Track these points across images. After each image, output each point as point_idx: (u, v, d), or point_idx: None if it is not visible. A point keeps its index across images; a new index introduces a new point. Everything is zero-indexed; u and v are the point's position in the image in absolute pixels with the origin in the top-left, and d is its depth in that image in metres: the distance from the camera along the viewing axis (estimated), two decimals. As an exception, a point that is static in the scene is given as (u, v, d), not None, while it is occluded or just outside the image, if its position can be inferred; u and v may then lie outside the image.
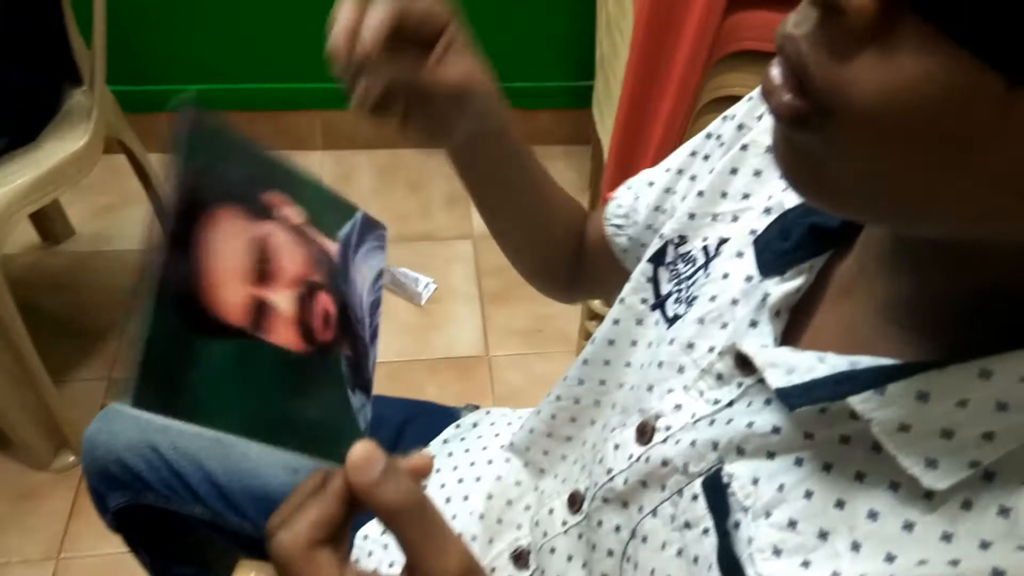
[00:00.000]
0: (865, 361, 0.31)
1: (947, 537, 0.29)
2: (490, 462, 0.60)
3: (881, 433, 0.30)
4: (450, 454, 0.63)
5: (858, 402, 0.31)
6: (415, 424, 0.67)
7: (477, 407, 0.70)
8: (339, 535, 0.33)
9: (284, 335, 0.29)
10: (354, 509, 0.32)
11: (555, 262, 0.63)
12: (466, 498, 0.58)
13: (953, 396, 0.29)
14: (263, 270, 0.29)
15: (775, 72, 0.27)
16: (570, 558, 0.50)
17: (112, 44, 1.17)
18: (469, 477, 0.60)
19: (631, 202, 0.56)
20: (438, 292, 1.57)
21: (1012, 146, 0.23)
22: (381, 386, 1.57)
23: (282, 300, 0.29)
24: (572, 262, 0.63)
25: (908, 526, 0.30)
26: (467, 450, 0.63)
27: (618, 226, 0.57)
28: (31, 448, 1.23)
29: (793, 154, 0.29)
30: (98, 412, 0.69)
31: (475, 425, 0.66)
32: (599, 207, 0.61)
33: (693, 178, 0.51)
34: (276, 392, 0.29)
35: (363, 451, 0.31)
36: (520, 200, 0.59)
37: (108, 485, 0.68)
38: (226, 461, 0.65)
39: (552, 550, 0.51)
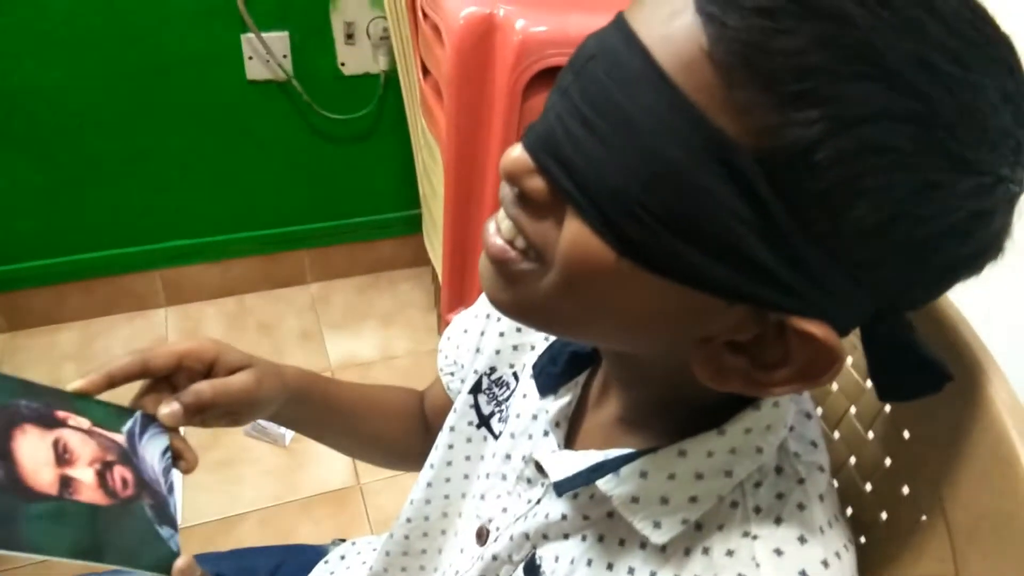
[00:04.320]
0: (613, 453, 0.43)
1: None
2: (359, 589, 0.67)
3: (619, 505, 0.41)
4: (322, 589, 0.69)
5: (602, 484, 0.42)
6: (286, 567, 0.72)
7: (343, 541, 0.76)
8: None
9: (91, 495, 0.44)
10: None
11: (408, 448, 0.70)
12: (341, 627, 0.65)
13: (664, 472, 0.41)
14: (63, 458, 0.44)
15: (493, 227, 0.38)
16: None
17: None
18: (342, 607, 0.66)
19: (454, 351, 0.65)
20: (302, 429, 1.59)
21: (623, 294, 0.34)
22: (255, 532, 1.57)
23: (84, 474, 0.44)
24: (422, 438, 0.70)
25: (652, 574, 0.41)
26: (337, 582, 0.69)
27: (451, 374, 0.65)
28: None
29: (506, 282, 0.38)
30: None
31: (343, 557, 0.72)
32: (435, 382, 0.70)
33: (496, 319, 0.61)
34: (93, 528, 0.42)
35: (185, 561, 0.44)
36: (347, 427, 0.68)
37: None
38: None
39: None
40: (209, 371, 0.55)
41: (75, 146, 1.60)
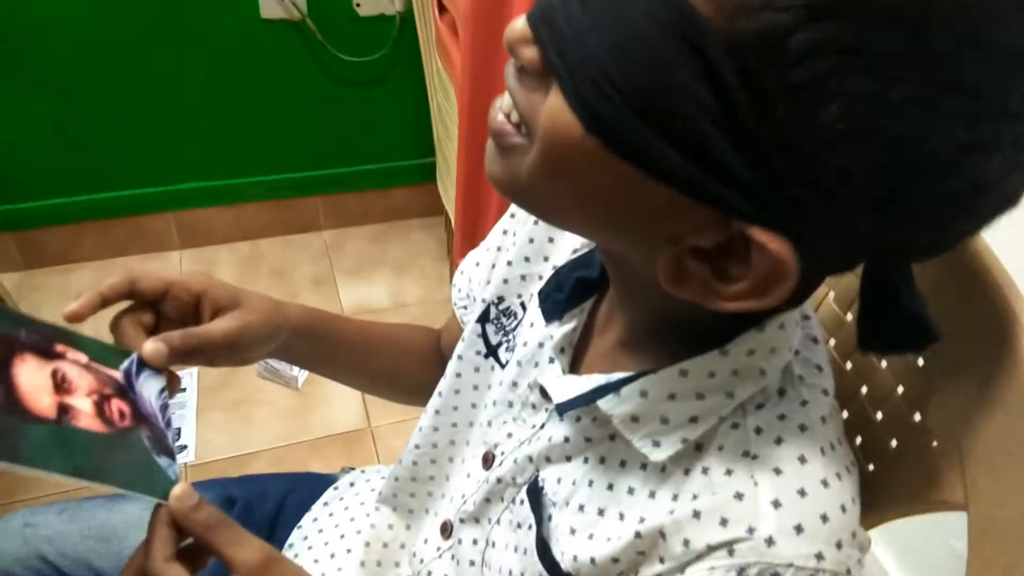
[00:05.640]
0: (616, 375, 0.43)
1: (674, 497, 0.40)
2: (367, 515, 0.68)
3: (619, 424, 0.41)
4: (331, 514, 0.70)
5: (603, 403, 0.42)
6: (296, 493, 0.73)
7: (353, 469, 0.77)
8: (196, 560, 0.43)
9: (89, 423, 0.44)
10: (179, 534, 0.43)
11: (423, 384, 0.68)
12: (349, 551, 0.65)
13: (664, 391, 0.40)
14: (62, 387, 0.45)
15: (497, 103, 0.38)
16: None
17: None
18: (350, 531, 0.67)
19: (467, 284, 0.64)
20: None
21: (591, 176, 0.34)
22: (266, 470, 1.60)
23: (82, 403, 0.45)
24: (439, 373, 0.68)
25: (652, 494, 0.41)
26: (346, 508, 0.70)
27: (464, 307, 0.65)
28: None
29: (500, 155, 0.38)
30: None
31: (352, 484, 0.73)
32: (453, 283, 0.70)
33: (505, 250, 0.61)
34: (92, 452, 0.43)
35: (182, 488, 0.43)
36: (358, 363, 0.68)
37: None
38: (113, 556, 0.69)
39: (429, 573, 0.59)
40: (196, 303, 0.54)
41: (90, 84, 1.59)
